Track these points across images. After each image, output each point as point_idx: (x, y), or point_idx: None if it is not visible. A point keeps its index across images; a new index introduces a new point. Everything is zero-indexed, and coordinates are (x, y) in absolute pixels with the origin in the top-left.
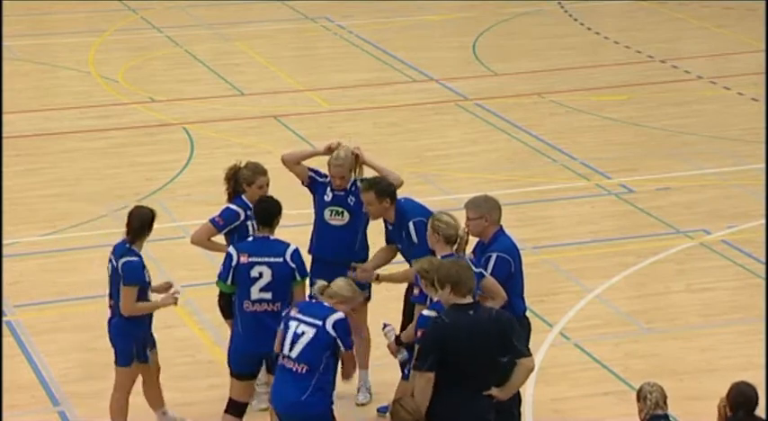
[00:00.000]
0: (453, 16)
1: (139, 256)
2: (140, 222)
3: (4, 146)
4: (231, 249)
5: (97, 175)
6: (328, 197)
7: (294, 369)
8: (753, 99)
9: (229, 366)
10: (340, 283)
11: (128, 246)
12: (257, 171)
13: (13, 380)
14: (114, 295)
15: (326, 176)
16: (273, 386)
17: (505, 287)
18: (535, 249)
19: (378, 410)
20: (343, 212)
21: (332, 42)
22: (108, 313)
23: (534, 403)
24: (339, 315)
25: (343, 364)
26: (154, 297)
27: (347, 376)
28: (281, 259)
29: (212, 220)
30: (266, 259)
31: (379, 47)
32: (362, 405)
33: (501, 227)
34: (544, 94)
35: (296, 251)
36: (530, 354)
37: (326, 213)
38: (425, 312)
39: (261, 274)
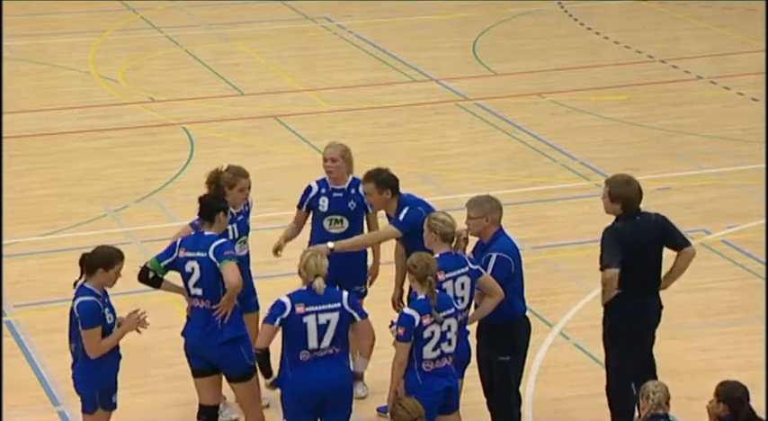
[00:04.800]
0: (453, 16)
1: (95, 295)
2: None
3: (4, 146)
4: (178, 240)
5: (97, 175)
6: (324, 207)
7: (329, 353)
8: (753, 99)
9: (188, 364)
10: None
11: (83, 284)
12: (238, 173)
13: (13, 380)
14: (74, 338)
15: (314, 188)
16: (304, 373)
17: (505, 287)
18: (535, 249)
19: (378, 410)
20: (342, 220)
21: (332, 42)
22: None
23: (534, 403)
24: (345, 291)
25: (360, 337)
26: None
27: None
28: (204, 254)
29: (192, 224)
30: (197, 254)
31: (379, 47)
32: (362, 397)
33: (501, 227)
34: (544, 94)
35: (220, 245)
36: (689, 244)
37: (326, 223)
38: (406, 310)
39: (193, 270)
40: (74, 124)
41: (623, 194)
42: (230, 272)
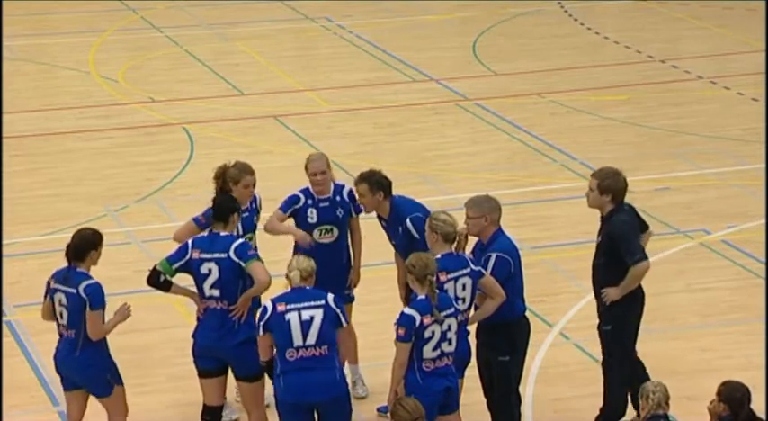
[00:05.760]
0: (453, 16)
1: (93, 277)
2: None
3: (4, 146)
4: (189, 241)
5: (97, 175)
6: (313, 218)
7: (316, 354)
8: (753, 99)
9: (195, 364)
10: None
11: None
12: (244, 170)
13: (13, 380)
14: (76, 324)
15: (302, 198)
16: (294, 380)
17: (505, 287)
18: (534, 249)
19: (377, 410)
20: (332, 229)
21: (332, 42)
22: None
23: (534, 403)
24: (331, 294)
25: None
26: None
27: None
28: (225, 255)
29: (195, 219)
30: (215, 255)
31: (379, 47)
32: (362, 397)
33: (500, 227)
34: (544, 94)
35: (241, 245)
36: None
37: (315, 234)
38: (407, 311)
39: (210, 271)
40: (73, 124)
41: (612, 186)
42: (259, 270)
